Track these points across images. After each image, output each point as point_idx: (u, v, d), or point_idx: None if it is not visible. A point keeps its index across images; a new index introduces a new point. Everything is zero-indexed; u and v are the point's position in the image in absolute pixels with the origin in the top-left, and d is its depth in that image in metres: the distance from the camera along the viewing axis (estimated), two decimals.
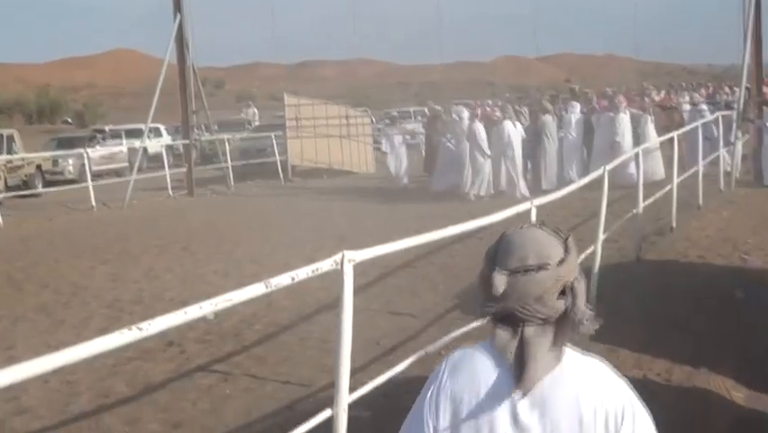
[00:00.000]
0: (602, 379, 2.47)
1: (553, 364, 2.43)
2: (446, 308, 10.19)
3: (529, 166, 21.59)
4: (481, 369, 2.49)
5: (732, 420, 6.36)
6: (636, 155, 12.82)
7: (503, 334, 2.48)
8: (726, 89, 30.22)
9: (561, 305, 2.44)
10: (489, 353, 2.51)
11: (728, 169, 19.37)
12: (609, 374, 2.49)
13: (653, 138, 19.31)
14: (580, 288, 2.47)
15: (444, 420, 2.48)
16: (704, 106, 23.16)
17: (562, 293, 2.45)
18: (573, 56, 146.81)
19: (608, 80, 62.16)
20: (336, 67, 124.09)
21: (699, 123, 18.03)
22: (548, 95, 29.84)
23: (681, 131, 16.58)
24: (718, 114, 19.93)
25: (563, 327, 2.45)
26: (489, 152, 20.49)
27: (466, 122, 21.41)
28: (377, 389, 5.63)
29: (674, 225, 13.81)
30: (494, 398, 2.44)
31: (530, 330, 2.45)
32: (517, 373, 2.42)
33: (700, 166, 16.25)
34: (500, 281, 2.46)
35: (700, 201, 16.02)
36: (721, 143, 19.11)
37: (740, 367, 7.41)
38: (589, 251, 9.65)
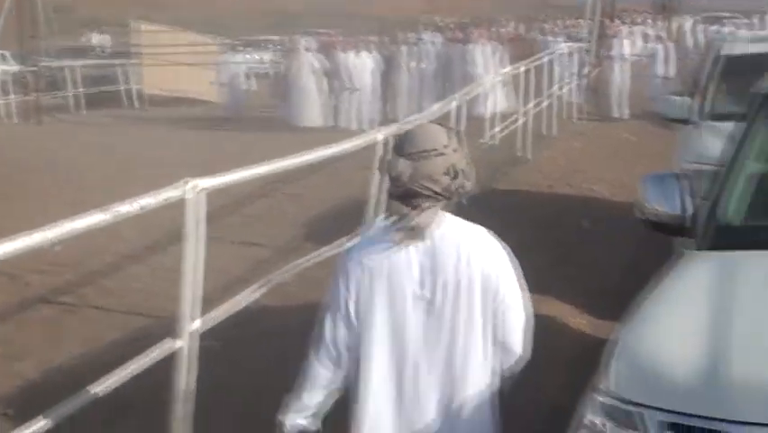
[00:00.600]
0: (483, 240, 3.24)
1: (437, 222, 3.14)
2: (297, 237, 10.15)
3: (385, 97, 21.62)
4: (382, 235, 3.20)
5: (576, 347, 6.54)
6: (491, 86, 12.96)
7: (403, 206, 3.15)
8: (581, 22, 30.76)
9: (448, 182, 3.12)
10: (388, 224, 3.20)
11: (579, 100, 19.82)
12: (489, 237, 3.26)
13: (506, 69, 19.57)
14: (471, 172, 3.17)
15: (357, 281, 3.20)
16: (558, 38, 23.57)
17: (454, 175, 3.11)
18: None
19: (466, 11, 62.54)
20: None
21: (546, 54, 18.28)
22: (407, 25, 29.80)
23: (533, 62, 16.82)
24: (570, 45, 20.34)
25: (450, 201, 3.17)
26: (356, 85, 20.40)
27: (302, 52, 21.26)
28: (227, 319, 5.54)
29: (528, 155, 14.07)
30: (394, 255, 3.16)
31: (424, 203, 3.13)
32: (410, 226, 3.11)
33: (554, 97, 16.57)
34: (404, 165, 3.11)
35: (553, 132, 16.37)
36: (574, 76, 19.52)
37: (585, 295, 7.63)
38: None
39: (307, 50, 21.43)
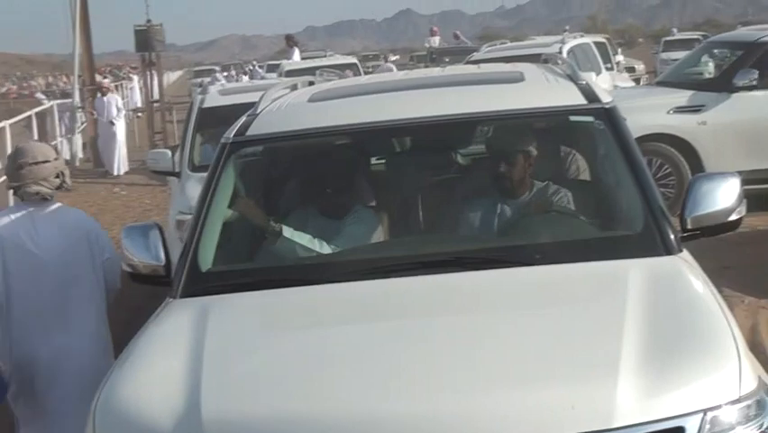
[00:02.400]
0: (85, 216, 5.04)
1: (51, 206, 4.74)
2: None
3: None
4: (10, 215, 4.72)
5: None
6: None
7: (26, 196, 4.69)
8: (65, 78, 30.37)
9: (58, 182, 4.70)
10: (14, 210, 4.81)
11: (68, 157, 19.43)
12: (79, 212, 5.09)
13: None
14: (68, 172, 4.81)
15: None
16: (41, 95, 23.03)
17: (60, 176, 4.70)
18: None
19: None
20: None
21: (34, 111, 17.80)
22: None
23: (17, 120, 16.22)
24: (55, 102, 19.92)
25: (58, 191, 4.72)
26: None
27: None
28: None
29: None
30: (22, 229, 4.66)
31: (42, 195, 4.66)
32: (33, 210, 4.70)
33: None
34: (28, 170, 4.59)
35: None
36: (61, 132, 19.10)
37: None
38: None
39: None
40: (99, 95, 20.07)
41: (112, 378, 3.23)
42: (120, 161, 19.58)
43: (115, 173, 19.16)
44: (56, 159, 4.70)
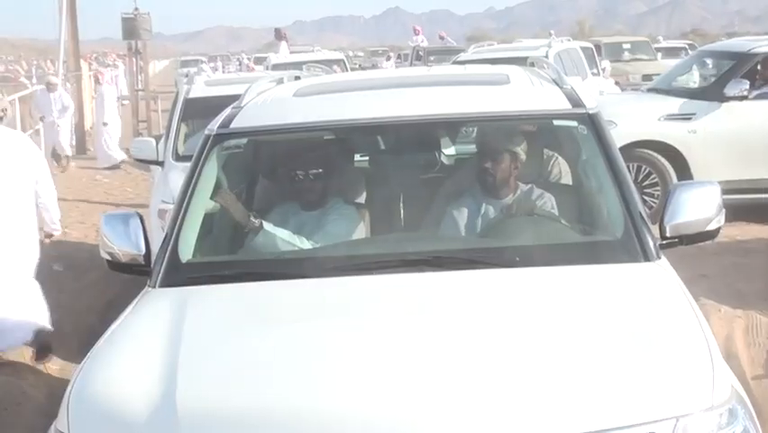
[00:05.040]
0: (27, 140, 7.09)
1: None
2: None
3: None
4: None
5: (45, 392, 6.35)
6: None
7: None
8: (49, 64, 30.19)
9: (1, 115, 6.66)
10: None
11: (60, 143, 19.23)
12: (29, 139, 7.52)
13: None
14: (9, 110, 7.51)
15: None
16: (25, 80, 22.84)
17: (4, 110, 6.71)
18: None
19: None
20: None
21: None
22: None
23: None
24: (38, 87, 19.72)
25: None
26: None
27: None
28: None
29: None
30: None
31: None
32: None
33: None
34: None
35: None
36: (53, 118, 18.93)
37: (60, 341, 7.39)
38: None
39: None
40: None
41: (87, 366, 3.21)
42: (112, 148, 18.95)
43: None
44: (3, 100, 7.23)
